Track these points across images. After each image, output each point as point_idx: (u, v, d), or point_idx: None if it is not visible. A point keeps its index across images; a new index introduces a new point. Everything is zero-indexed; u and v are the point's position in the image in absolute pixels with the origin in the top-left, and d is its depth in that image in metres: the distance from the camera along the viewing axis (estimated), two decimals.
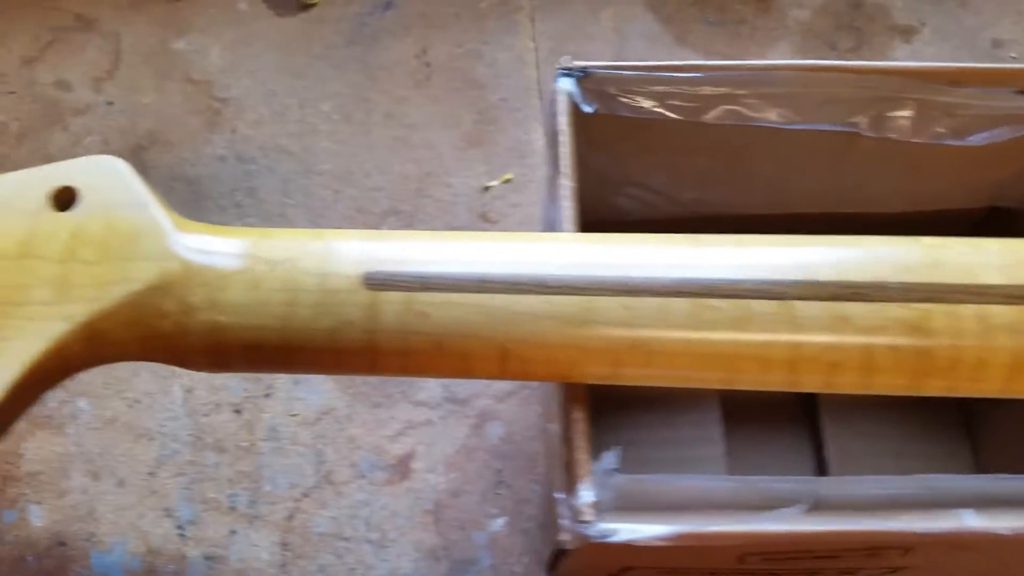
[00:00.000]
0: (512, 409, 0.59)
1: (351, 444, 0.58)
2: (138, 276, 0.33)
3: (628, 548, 0.36)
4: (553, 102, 0.42)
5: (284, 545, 0.56)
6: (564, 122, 0.41)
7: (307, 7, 0.72)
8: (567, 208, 0.39)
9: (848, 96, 0.44)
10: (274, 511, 0.56)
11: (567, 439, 0.35)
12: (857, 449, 0.57)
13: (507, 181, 0.66)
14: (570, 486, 0.35)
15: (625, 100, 0.43)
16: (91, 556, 0.55)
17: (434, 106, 0.69)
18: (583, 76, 0.42)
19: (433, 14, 0.73)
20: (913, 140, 0.45)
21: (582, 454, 0.35)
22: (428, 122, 0.68)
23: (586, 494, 0.34)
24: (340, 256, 0.35)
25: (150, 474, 0.57)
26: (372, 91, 0.69)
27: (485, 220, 0.65)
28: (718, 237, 0.36)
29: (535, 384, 0.60)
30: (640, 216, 0.51)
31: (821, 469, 0.57)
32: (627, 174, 0.48)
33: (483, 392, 0.60)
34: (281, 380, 0.60)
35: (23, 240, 0.33)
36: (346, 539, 0.56)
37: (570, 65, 0.42)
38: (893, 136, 0.45)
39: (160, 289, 0.33)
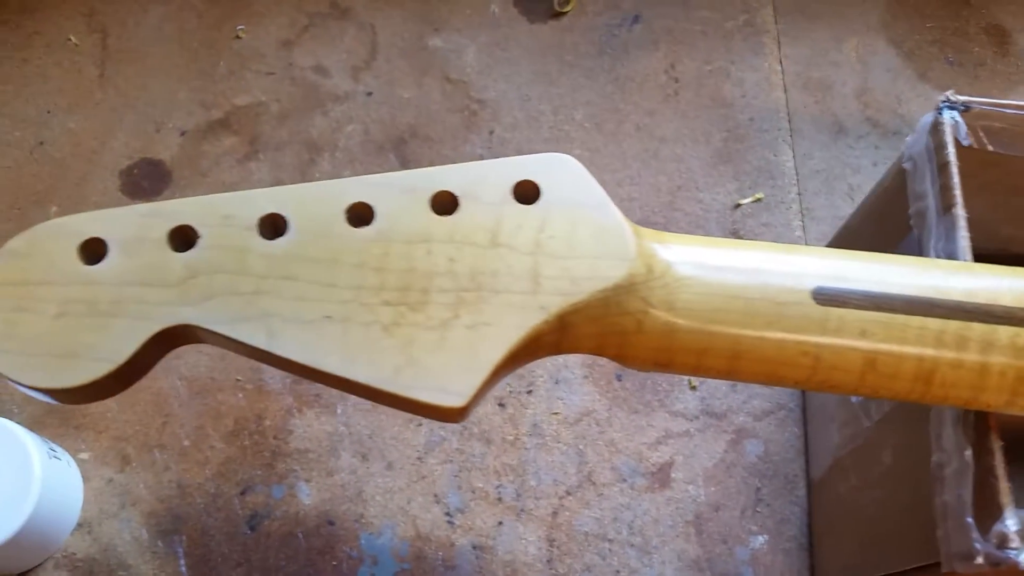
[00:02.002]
0: (770, 428, 0.60)
1: (611, 447, 0.59)
2: (608, 274, 0.34)
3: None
4: (939, 133, 0.42)
5: (550, 541, 0.56)
6: (953, 153, 0.42)
7: (558, 15, 0.73)
8: (964, 239, 0.40)
9: None
10: (539, 506, 0.57)
11: (987, 467, 0.36)
12: None
13: (758, 200, 0.67)
14: (987, 513, 0.36)
15: (999, 136, 0.43)
16: (360, 537, 0.56)
17: (683, 121, 0.70)
18: (964, 110, 0.43)
19: (680, 30, 0.74)
20: None
21: (1004, 483, 0.36)
22: (677, 136, 0.69)
23: (1011, 522, 0.35)
24: (785, 269, 0.35)
25: (419, 459, 0.58)
26: (622, 102, 0.70)
27: (736, 237, 0.66)
28: None
29: (793, 405, 0.61)
30: None
31: None
32: None
33: (740, 408, 0.60)
34: (542, 378, 0.61)
35: (492, 229, 0.34)
36: (610, 541, 0.57)
37: (953, 99, 0.43)
38: None
39: (626, 288, 0.34)
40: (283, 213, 0.34)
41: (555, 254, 0.34)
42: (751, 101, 0.71)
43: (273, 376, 0.60)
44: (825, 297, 0.35)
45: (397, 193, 0.35)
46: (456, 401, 0.32)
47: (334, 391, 0.60)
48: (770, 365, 0.35)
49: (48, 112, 0.70)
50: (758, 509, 0.58)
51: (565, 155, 0.36)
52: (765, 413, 0.60)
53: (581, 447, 0.59)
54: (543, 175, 0.35)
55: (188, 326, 0.33)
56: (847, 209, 0.67)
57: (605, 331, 0.35)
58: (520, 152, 0.68)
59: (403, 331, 0.33)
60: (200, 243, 0.33)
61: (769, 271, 0.35)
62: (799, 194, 0.67)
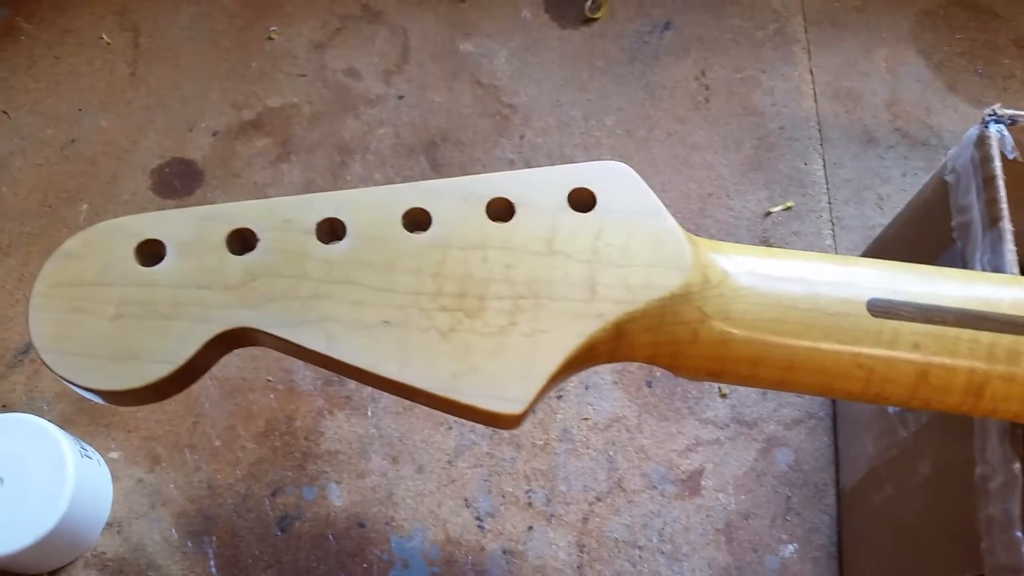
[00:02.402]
0: (800, 437, 0.60)
1: (641, 454, 0.59)
2: (664, 283, 0.34)
3: None
4: (985, 146, 0.42)
5: (580, 547, 0.57)
6: (999, 167, 0.42)
7: (589, 21, 0.74)
8: (1011, 252, 0.40)
9: None
10: (569, 512, 0.57)
11: None
12: None
13: (788, 208, 0.67)
14: None
15: None
16: (391, 540, 0.56)
17: (713, 128, 0.70)
18: (1010, 123, 0.43)
19: (710, 38, 0.74)
20: None
21: None
22: (708, 144, 0.69)
23: None
24: (840, 279, 0.35)
25: (449, 463, 0.58)
26: (653, 109, 0.71)
27: (767, 246, 0.66)
28: None
29: (823, 414, 0.61)
30: None
31: None
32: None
33: (770, 417, 0.60)
34: (572, 384, 0.61)
35: (547, 237, 0.35)
36: (640, 548, 0.57)
37: (1000, 112, 0.43)
38: None
39: (681, 297, 0.34)
40: (341, 217, 0.34)
41: (612, 262, 0.34)
42: (781, 109, 0.71)
43: (304, 377, 0.61)
44: (880, 309, 0.35)
45: (453, 199, 0.35)
46: (514, 408, 0.32)
47: (365, 392, 0.60)
48: (824, 376, 0.35)
49: (80, 110, 0.70)
50: (788, 518, 0.58)
51: (621, 163, 0.36)
52: (795, 422, 0.60)
53: (611, 453, 0.59)
54: (599, 183, 0.36)
55: (247, 329, 0.33)
56: (877, 219, 0.67)
57: (660, 340, 0.35)
58: (551, 157, 0.68)
59: (461, 337, 0.33)
60: (260, 246, 0.33)
61: (824, 282, 0.35)
62: (829, 203, 0.67)
